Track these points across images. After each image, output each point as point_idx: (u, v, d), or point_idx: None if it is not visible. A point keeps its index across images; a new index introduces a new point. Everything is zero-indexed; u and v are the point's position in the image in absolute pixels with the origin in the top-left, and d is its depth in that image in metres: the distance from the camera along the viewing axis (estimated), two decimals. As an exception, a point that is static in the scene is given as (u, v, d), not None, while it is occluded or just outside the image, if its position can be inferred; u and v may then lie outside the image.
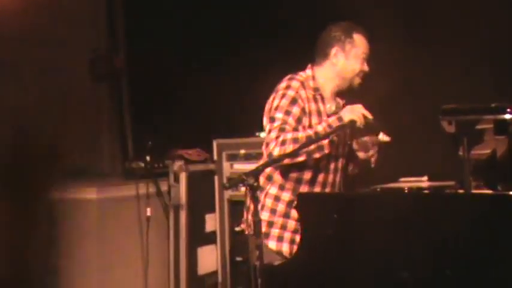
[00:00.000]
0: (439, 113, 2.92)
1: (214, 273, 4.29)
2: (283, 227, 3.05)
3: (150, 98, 4.94)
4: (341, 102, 3.19)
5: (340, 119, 2.98)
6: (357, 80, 3.12)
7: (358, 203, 2.98)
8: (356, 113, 2.98)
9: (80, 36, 4.95)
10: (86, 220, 4.27)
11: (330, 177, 3.11)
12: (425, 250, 2.79)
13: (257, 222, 2.67)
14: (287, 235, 3.05)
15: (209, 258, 4.31)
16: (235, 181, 2.85)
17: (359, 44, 3.09)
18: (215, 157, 4.32)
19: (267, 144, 2.98)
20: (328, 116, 3.12)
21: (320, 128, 2.98)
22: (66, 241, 4.25)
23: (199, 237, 4.32)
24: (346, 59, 3.09)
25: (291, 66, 3.22)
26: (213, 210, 4.30)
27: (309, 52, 3.21)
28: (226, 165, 4.28)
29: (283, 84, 3.07)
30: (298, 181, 3.06)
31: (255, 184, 2.66)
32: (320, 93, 3.09)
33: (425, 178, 3.31)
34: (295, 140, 2.94)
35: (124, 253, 4.33)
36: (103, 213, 4.29)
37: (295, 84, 3.05)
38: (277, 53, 4.16)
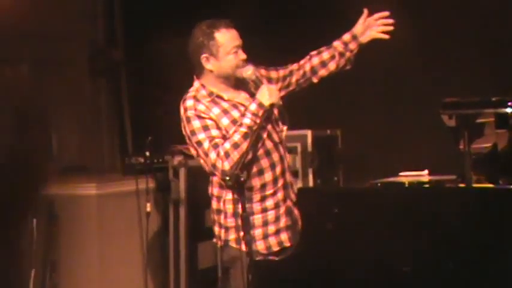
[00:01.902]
0: (440, 107, 2.91)
1: (214, 268, 4.28)
2: (252, 227, 3.03)
3: (149, 92, 4.92)
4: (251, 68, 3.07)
5: (261, 105, 2.96)
6: (240, 72, 3.04)
7: (359, 197, 2.97)
8: (274, 95, 2.96)
9: (78, 30, 4.93)
10: (85, 216, 4.26)
11: (275, 157, 3.06)
12: (426, 244, 2.78)
13: (245, 217, 2.66)
14: (258, 232, 3.02)
15: (209, 253, 4.30)
16: (234, 177, 2.84)
17: (223, 41, 3.01)
18: (215, 152, 4.31)
19: (214, 167, 2.93)
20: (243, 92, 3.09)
21: (248, 121, 2.95)
22: (65, 237, 4.25)
23: (199, 232, 4.30)
24: (218, 61, 3.03)
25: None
26: (212, 206, 4.29)
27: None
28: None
29: (181, 110, 3.04)
30: (247, 176, 3.00)
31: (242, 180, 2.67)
32: (216, 95, 3.05)
33: (425, 172, 3.30)
34: (235, 145, 2.92)
35: (124, 248, 4.32)
36: (102, 209, 4.28)
37: (189, 103, 3.02)
38: (276, 49, 4.13)
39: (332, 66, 3.22)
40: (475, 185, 2.87)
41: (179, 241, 4.29)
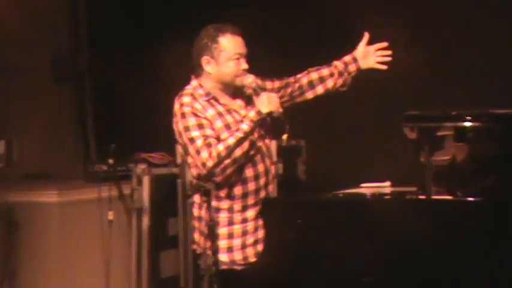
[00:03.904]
0: (402, 120, 2.96)
1: (177, 277, 4.28)
2: (230, 236, 3.04)
3: (113, 100, 4.90)
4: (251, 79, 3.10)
5: (259, 112, 2.98)
6: (240, 80, 3.07)
7: (322, 208, 3.00)
8: (273, 103, 2.99)
9: (42, 36, 4.89)
10: (46, 224, 4.22)
11: (260, 168, 3.08)
12: (386, 255, 2.83)
13: (211, 226, 2.67)
14: (236, 242, 3.04)
15: (172, 262, 4.29)
16: (195, 188, 2.85)
17: (226, 46, 3.03)
18: (178, 161, 4.30)
19: (204, 165, 2.94)
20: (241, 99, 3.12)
21: (245, 127, 2.97)
22: (26, 245, 4.20)
23: (162, 241, 4.29)
24: (218, 65, 3.05)
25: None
26: (176, 214, 4.28)
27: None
28: (189, 170, 4.26)
29: (176, 106, 3.04)
30: (231, 184, 3.04)
31: (212, 189, 2.68)
32: (213, 97, 3.07)
33: (387, 183, 3.35)
34: (228, 148, 2.94)
35: (86, 257, 4.29)
36: (64, 217, 4.24)
37: (186, 99, 3.03)
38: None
39: (330, 83, 3.25)
40: (434, 197, 2.92)
41: (142, 250, 4.28)
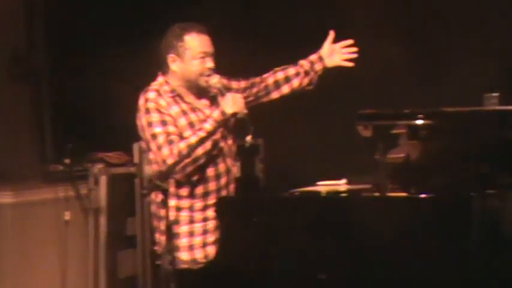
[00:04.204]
0: (356, 118, 2.99)
1: (135, 277, 4.25)
2: (191, 234, 3.04)
3: (70, 99, 4.84)
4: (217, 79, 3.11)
5: (223, 113, 2.99)
6: (205, 80, 3.08)
7: (277, 206, 3.02)
8: (238, 103, 3.00)
9: (-2, 35, 4.82)
10: (1, 225, 4.15)
11: (221, 167, 3.09)
12: (342, 252, 2.85)
13: (169, 225, 2.66)
14: (197, 241, 3.04)
15: (129, 262, 4.27)
16: (151, 186, 2.84)
17: (192, 44, 3.05)
18: (136, 160, 4.28)
19: (164, 162, 2.93)
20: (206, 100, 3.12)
21: (208, 126, 2.98)
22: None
23: (119, 241, 4.26)
24: (183, 63, 3.06)
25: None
26: (134, 214, 4.26)
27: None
28: (147, 168, 4.24)
29: (141, 101, 3.05)
30: (192, 183, 3.04)
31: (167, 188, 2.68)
32: (178, 94, 3.08)
33: (343, 181, 3.38)
34: (190, 147, 2.94)
35: (42, 258, 4.23)
36: (20, 218, 4.17)
37: (151, 95, 3.03)
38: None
39: (296, 83, 3.27)
40: (388, 194, 2.95)
41: (99, 250, 4.24)
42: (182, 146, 2.93)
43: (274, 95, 3.29)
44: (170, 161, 2.92)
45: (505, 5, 4.06)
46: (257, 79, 3.27)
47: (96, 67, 4.63)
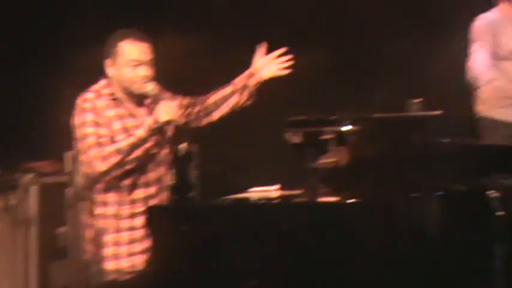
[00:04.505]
0: (284, 125, 3.03)
1: (67, 288, 4.18)
2: (117, 244, 3.02)
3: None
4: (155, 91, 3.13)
5: (157, 121, 3.00)
6: (139, 87, 3.09)
7: (208, 214, 3.01)
8: (172, 111, 3.00)
9: None
10: None
11: (152, 175, 3.09)
12: (274, 257, 2.87)
13: (96, 234, 2.63)
14: (123, 250, 3.02)
15: (62, 274, 4.19)
16: (77, 197, 2.81)
17: (125, 51, 3.08)
18: (68, 169, 4.21)
19: (90, 165, 2.94)
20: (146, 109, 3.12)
21: (141, 132, 2.99)
22: None
23: (51, 252, 4.18)
24: (117, 70, 3.10)
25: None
26: (65, 224, 4.19)
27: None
28: (79, 177, 4.18)
29: (78, 100, 3.08)
30: (119, 190, 3.02)
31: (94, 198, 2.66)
32: (117, 98, 3.10)
33: (275, 187, 3.40)
34: (118, 151, 2.94)
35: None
36: None
37: (89, 95, 3.07)
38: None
39: (233, 101, 3.31)
40: (318, 200, 2.99)
41: (29, 262, 4.16)
42: (111, 149, 2.93)
43: (215, 115, 3.33)
44: (97, 163, 2.93)
45: (428, 13, 4.18)
46: (200, 99, 3.31)
47: (25, 75, 4.56)
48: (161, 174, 3.10)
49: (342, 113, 2.98)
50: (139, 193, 3.03)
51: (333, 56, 4.19)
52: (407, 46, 4.10)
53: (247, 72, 3.31)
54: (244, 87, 3.29)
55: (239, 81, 3.30)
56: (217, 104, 3.30)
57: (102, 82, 3.12)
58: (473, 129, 4.34)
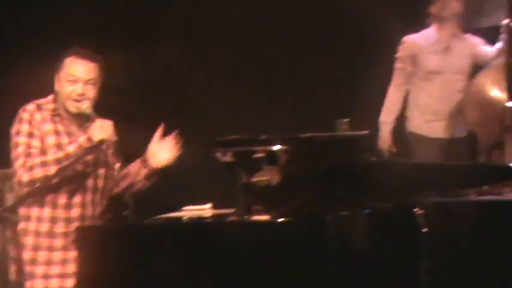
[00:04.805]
0: (214, 145, 3.04)
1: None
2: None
3: None
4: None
5: (89, 139, 2.99)
6: (74, 105, 3.10)
7: (138, 234, 2.99)
8: (106, 131, 3.00)
9: None
10: None
11: (88, 197, 3.08)
12: (206, 277, 2.86)
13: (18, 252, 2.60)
14: (55, 270, 2.98)
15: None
16: (6, 214, 2.78)
17: (67, 67, 3.11)
18: (-4, 188, 4.13)
19: (16, 173, 2.97)
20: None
21: (71, 149, 2.99)
22: None
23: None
24: (58, 84, 3.12)
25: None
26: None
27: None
28: (9, 196, 4.11)
29: (20, 110, 3.11)
30: (54, 206, 3.01)
31: (14, 218, 2.65)
32: (58, 114, 3.11)
33: (208, 206, 3.41)
34: (43, 164, 2.95)
35: None
36: None
37: (30, 107, 3.10)
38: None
39: (124, 184, 3.28)
40: (250, 219, 3.01)
41: None
42: (36, 161, 2.95)
43: (116, 189, 3.30)
44: (21, 172, 2.95)
45: (356, 33, 4.28)
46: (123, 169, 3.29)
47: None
48: (87, 200, 3.10)
49: (272, 132, 3.02)
50: (60, 213, 3.02)
51: (265, 76, 4.25)
52: (337, 66, 4.20)
53: (141, 159, 3.26)
54: (138, 174, 3.25)
55: (134, 166, 3.26)
56: (123, 177, 3.29)
57: (50, 96, 3.14)
58: (404, 145, 4.48)
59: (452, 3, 4.47)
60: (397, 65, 4.53)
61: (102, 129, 2.99)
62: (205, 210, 3.38)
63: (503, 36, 4.22)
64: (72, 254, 3.00)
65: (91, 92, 3.07)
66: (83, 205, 3.04)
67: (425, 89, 4.50)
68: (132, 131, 3.60)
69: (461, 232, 2.97)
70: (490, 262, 2.98)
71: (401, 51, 4.52)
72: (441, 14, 4.48)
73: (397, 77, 4.51)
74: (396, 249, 2.92)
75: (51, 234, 3.01)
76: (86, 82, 3.05)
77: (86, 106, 3.06)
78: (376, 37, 4.46)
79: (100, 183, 3.13)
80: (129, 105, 3.76)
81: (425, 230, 2.90)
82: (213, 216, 3.23)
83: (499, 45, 4.34)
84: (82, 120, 3.12)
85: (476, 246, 2.99)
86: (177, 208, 3.39)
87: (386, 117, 4.49)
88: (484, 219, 3.01)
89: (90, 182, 3.07)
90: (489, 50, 4.46)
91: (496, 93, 4.15)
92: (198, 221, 3.13)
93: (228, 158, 3.03)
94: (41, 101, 3.14)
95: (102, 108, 3.22)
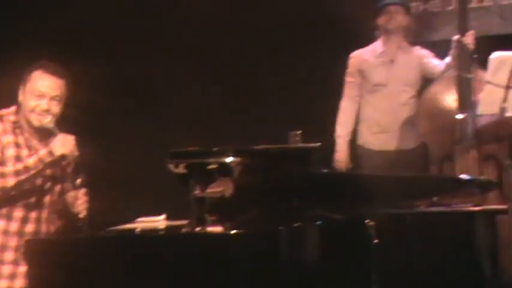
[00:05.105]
0: (167, 157, 3.04)
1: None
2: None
3: None
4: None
5: (51, 153, 2.96)
6: (37, 119, 3.07)
7: (90, 247, 2.97)
8: (68, 145, 2.98)
9: None
10: None
11: (44, 213, 3.05)
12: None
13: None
14: (2, 284, 2.97)
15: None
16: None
17: (34, 80, 3.08)
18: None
19: None
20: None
21: (31, 162, 2.95)
22: None
23: None
24: (23, 96, 3.09)
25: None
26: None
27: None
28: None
29: None
30: (9, 219, 2.97)
31: None
32: (20, 126, 3.06)
33: (162, 217, 3.39)
34: (1, 175, 2.93)
35: None
36: None
37: None
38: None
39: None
40: (202, 230, 3.00)
41: None
42: None
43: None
44: None
45: (310, 45, 4.32)
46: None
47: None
48: (42, 217, 3.07)
49: (225, 144, 3.03)
50: (13, 226, 2.98)
51: (222, 88, 4.26)
52: (291, 78, 4.23)
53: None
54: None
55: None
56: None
57: (13, 108, 3.09)
58: (356, 159, 4.52)
59: (398, 16, 4.51)
60: (347, 79, 4.56)
61: (64, 144, 2.97)
62: (159, 221, 3.36)
63: (452, 51, 4.25)
64: (22, 268, 2.96)
65: (56, 108, 3.04)
66: (38, 221, 3.01)
67: (371, 102, 4.53)
68: (93, 145, 3.59)
69: (411, 242, 3.02)
70: (440, 271, 3.03)
71: (350, 67, 4.55)
72: (387, 27, 4.52)
73: (348, 90, 4.54)
74: (348, 260, 2.94)
75: (2, 248, 2.96)
76: (52, 98, 3.03)
77: (48, 120, 3.03)
78: (331, 49, 4.51)
79: (54, 199, 3.10)
80: (90, 119, 3.73)
81: (376, 241, 2.93)
82: (166, 228, 3.21)
83: (448, 59, 4.37)
84: (44, 134, 3.07)
85: (427, 256, 3.03)
86: (131, 220, 3.37)
87: (342, 131, 4.51)
88: (433, 230, 3.06)
89: (47, 198, 3.04)
90: (438, 63, 4.48)
91: (448, 104, 4.19)
92: (151, 233, 3.11)
93: (180, 169, 3.03)
94: (3, 111, 3.09)
95: (63, 122, 3.20)
